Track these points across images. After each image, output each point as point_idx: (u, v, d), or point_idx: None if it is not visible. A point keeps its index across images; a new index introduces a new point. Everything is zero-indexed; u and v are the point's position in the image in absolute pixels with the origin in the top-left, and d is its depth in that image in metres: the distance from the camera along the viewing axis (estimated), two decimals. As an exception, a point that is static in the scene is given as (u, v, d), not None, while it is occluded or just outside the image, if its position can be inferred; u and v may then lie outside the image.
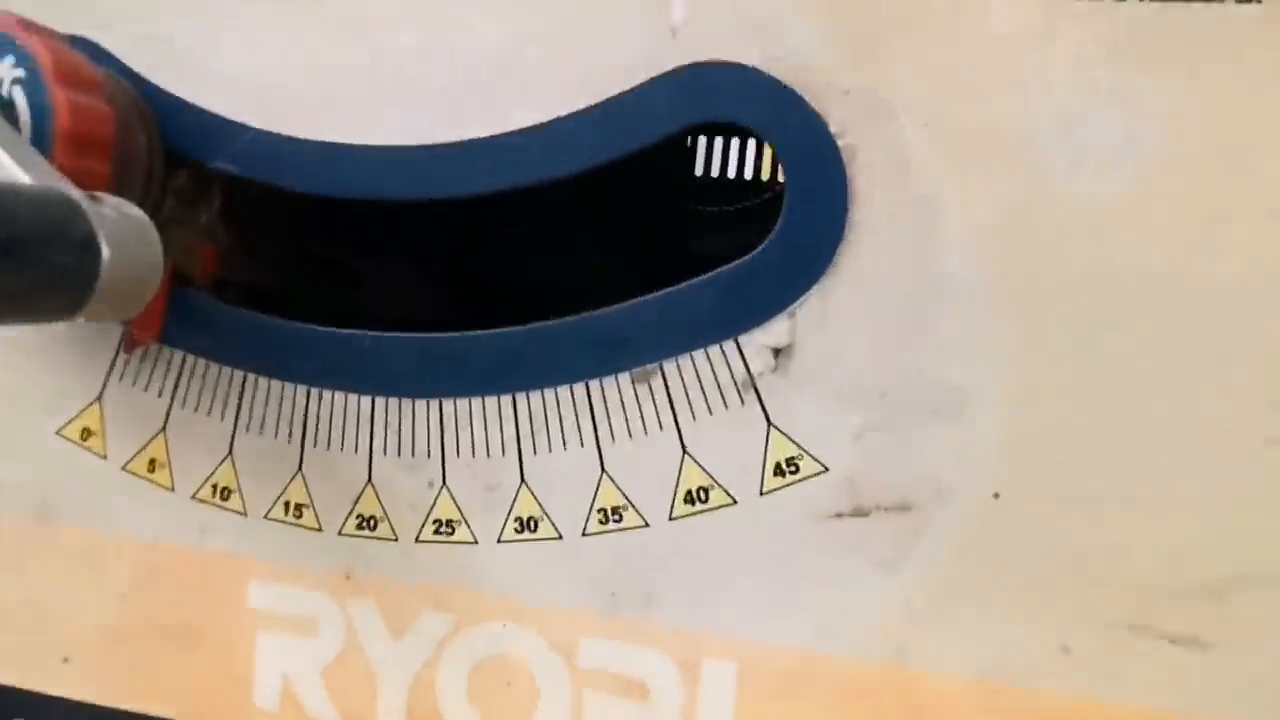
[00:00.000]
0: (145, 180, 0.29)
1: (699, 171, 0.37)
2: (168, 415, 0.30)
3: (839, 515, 0.25)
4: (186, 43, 0.28)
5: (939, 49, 0.24)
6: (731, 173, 0.37)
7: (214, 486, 0.30)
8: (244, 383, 0.29)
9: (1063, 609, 0.24)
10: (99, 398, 0.30)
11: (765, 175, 0.37)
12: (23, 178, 0.22)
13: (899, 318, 0.25)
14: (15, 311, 0.20)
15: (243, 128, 0.28)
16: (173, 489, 0.30)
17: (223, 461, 0.29)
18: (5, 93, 0.25)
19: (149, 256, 0.23)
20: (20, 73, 0.25)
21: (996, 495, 0.24)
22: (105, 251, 0.22)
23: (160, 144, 0.29)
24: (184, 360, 0.29)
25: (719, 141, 0.38)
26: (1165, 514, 0.24)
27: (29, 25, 0.27)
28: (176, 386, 0.30)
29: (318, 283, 0.34)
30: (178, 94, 0.29)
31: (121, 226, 0.23)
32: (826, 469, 0.25)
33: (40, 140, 0.24)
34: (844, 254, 0.25)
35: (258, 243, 0.32)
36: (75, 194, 0.22)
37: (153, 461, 0.30)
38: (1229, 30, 0.22)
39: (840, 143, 0.24)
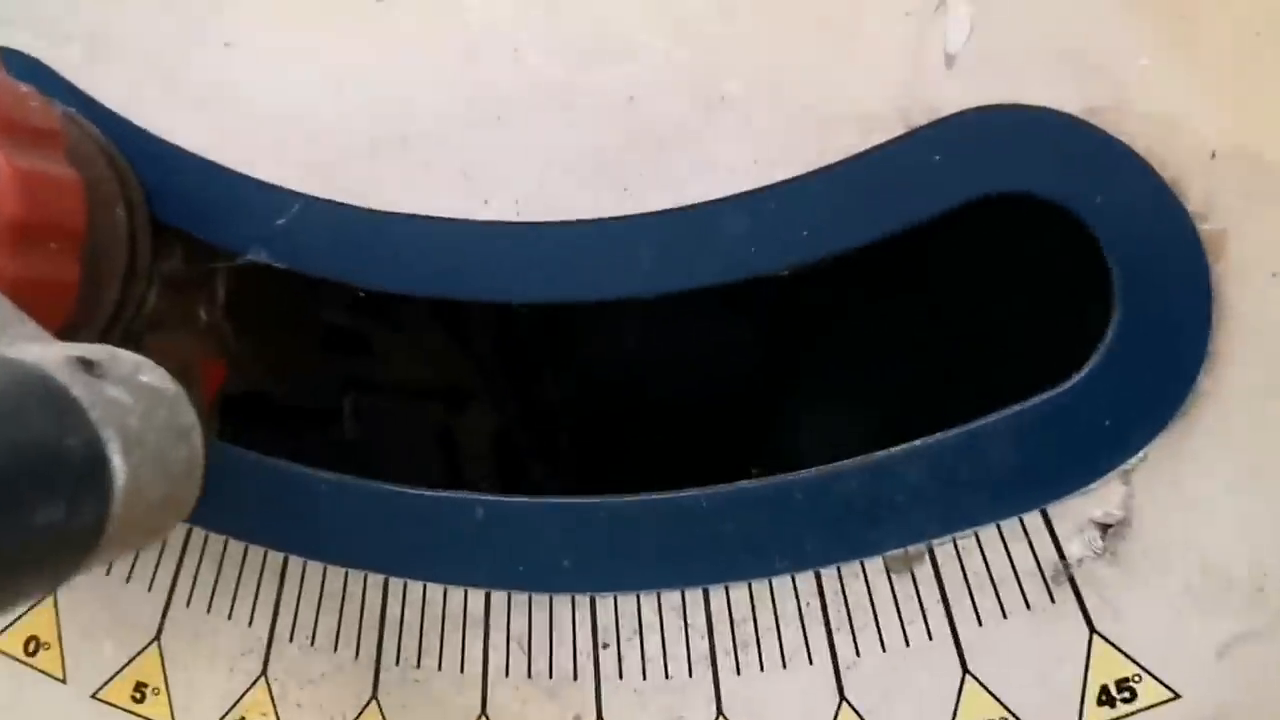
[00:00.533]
0: (126, 274, 0.20)
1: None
2: (163, 619, 0.20)
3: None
4: (185, 60, 0.19)
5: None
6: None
7: (239, 721, 0.20)
8: (283, 570, 0.20)
9: None
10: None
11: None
12: None
13: (1286, 480, 0.17)
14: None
15: (288, 195, 0.19)
16: (169, 732, 0.21)
17: (253, 685, 0.20)
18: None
19: (184, 458, 0.14)
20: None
21: None
22: (120, 471, 0.13)
23: (146, 214, 0.20)
24: (187, 538, 0.20)
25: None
26: None
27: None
28: (176, 576, 0.20)
29: (384, 414, 0.25)
30: (172, 140, 0.19)
31: (142, 416, 0.14)
32: (1177, 696, 0.18)
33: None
34: (1205, 384, 0.17)
35: (279, 338, 0.23)
36: (57, 369, 0.13)
37: (140, 686, 0.21)
38: None
39: (1202, 228, 0.17)
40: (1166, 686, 0.18)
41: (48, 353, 0.13)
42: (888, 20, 0.18)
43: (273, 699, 0.20)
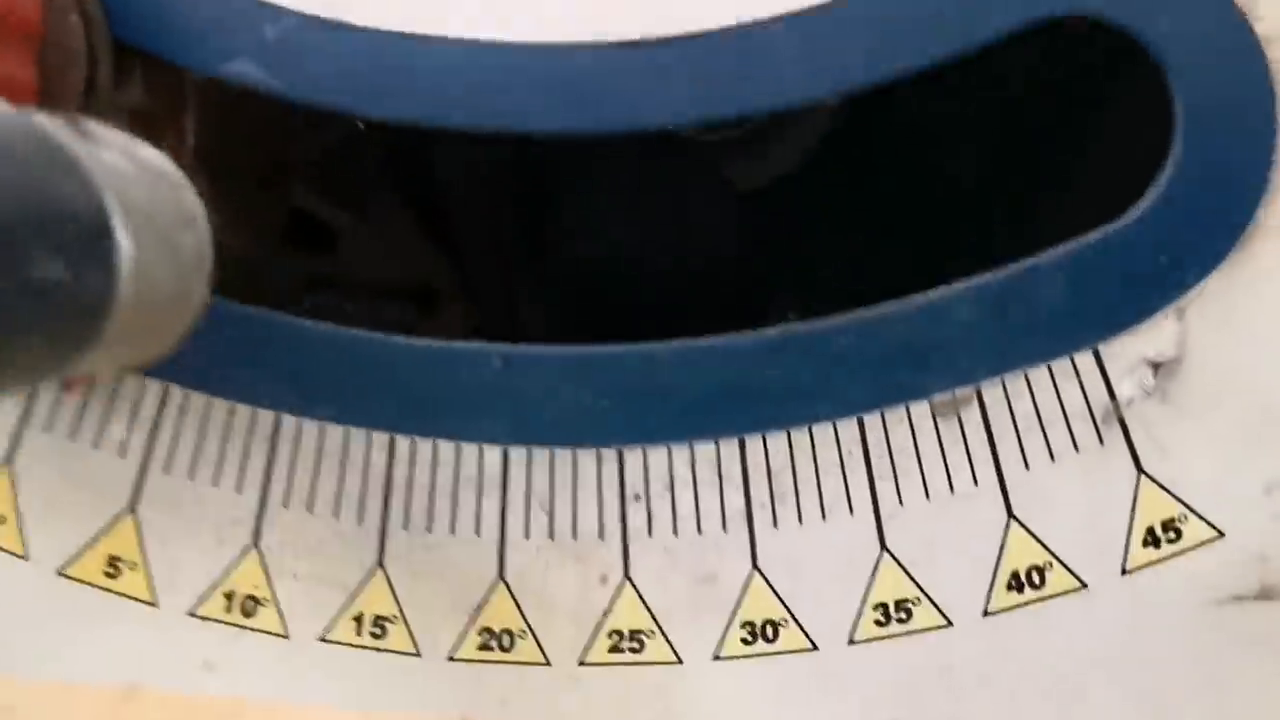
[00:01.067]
0: (86, 85, 0.17)
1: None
2: (138, 487, 0.19)
3: (1238, 599, 0.18)
4: None
5: None
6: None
7: (228, 596, 0.19)
8: (275, 432, 0.18)
9: None
10: (7, 459, 0.19)
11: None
12: None
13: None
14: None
15: (272, 10, 0.17)
16: (154, 603, 0.19)
17: (242, 556, 0.19)
18: None
19: (192, 246, 0.12)
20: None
21: None
22: (126, 245, 0.11)
23: (105, 30, 0.17)
24: (164, 396, 0.18)
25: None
26: None
27: None
28: (152, 441, 0.18)
29: (332, 268, 0.23)
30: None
31: (145, 190, 0.12)
32: (1222, 534, 0.18)
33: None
34: (1264, 217, 0.17)
35: (252, 200, 0.21)
36: (51, 124, 0.11)
37: (113, 560, 0.19)
38: None
39: (1270, 54, 0.16)
40: (1212, 526, 0.18)
41: (34, 114, 0.11)
42: None
43: (265, 570, 0.19)
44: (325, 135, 0.21)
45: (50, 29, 0.16)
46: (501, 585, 0.19)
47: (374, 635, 0.19)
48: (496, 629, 0.19)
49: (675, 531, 0.18)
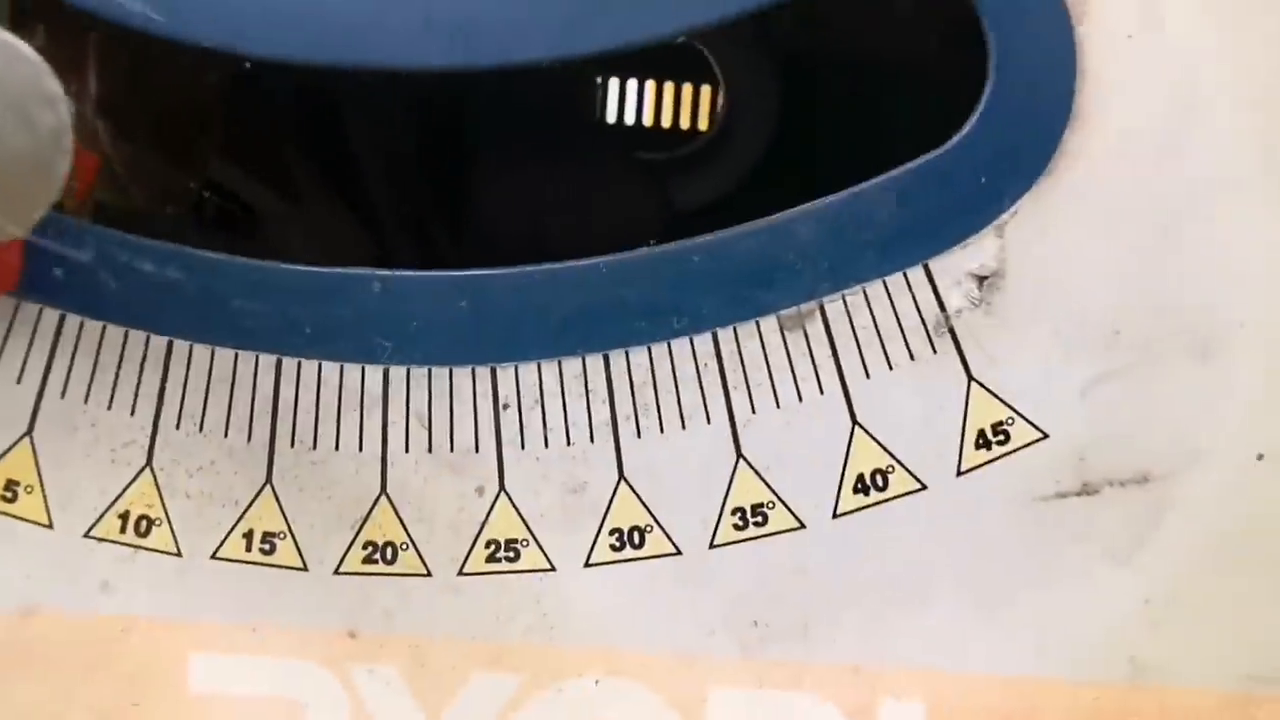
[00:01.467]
0: None
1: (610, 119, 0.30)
2: (35, 411, 0.20)
3: (1062, 495, 0.20)
4: None
5: None
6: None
7: (122, 517, 0.20)
8: (167, 357, 0.19)
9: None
10: (-91, 389, 0.20)
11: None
12: None
13: (1139, 229, 0.19)
14: None
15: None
16: (50, 525, 0.20)
17: (136, 477, 0.20)
18: None
19: (50, 123, 0.14)
20: None
21: (1261, 456, 0.20)
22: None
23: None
24: (60, 325, 0.19)
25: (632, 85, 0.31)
26: None
27: None
28: (49, 367, 0.19)
29: (262, 201, 0.24)
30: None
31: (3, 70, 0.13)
32: (1046, 435, 0.20)
33: None
34: (1069, 143, 0.19)
35: (161, 165, 0.22)
36: None
37: (10, 484, 0.20)
38: None
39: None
40: (1036, 427, 0.20)
41: None
42: None
43: (159, 489, 0.20)
44: (217, 77, 0.22)
45: None
46: (384, 499, 0.20)
47: (263, 551, 0.20)
48: (380, 542, 0.20)
49: (546, 443, 0.20)
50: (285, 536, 0.20)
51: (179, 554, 0.20)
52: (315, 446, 0.20)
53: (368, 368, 0.20)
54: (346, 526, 0.20)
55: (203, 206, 0.22)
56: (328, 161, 0.24)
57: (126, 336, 0.20)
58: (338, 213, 0.24)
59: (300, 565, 0.20)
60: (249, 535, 0.20)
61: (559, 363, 0.20)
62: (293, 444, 0.20)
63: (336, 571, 0.20)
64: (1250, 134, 0.19)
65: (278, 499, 0.20)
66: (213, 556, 0.20)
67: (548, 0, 0.19)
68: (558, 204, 0.23)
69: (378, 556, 0.20)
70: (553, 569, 0.20)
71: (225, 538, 0.20)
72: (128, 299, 0.19)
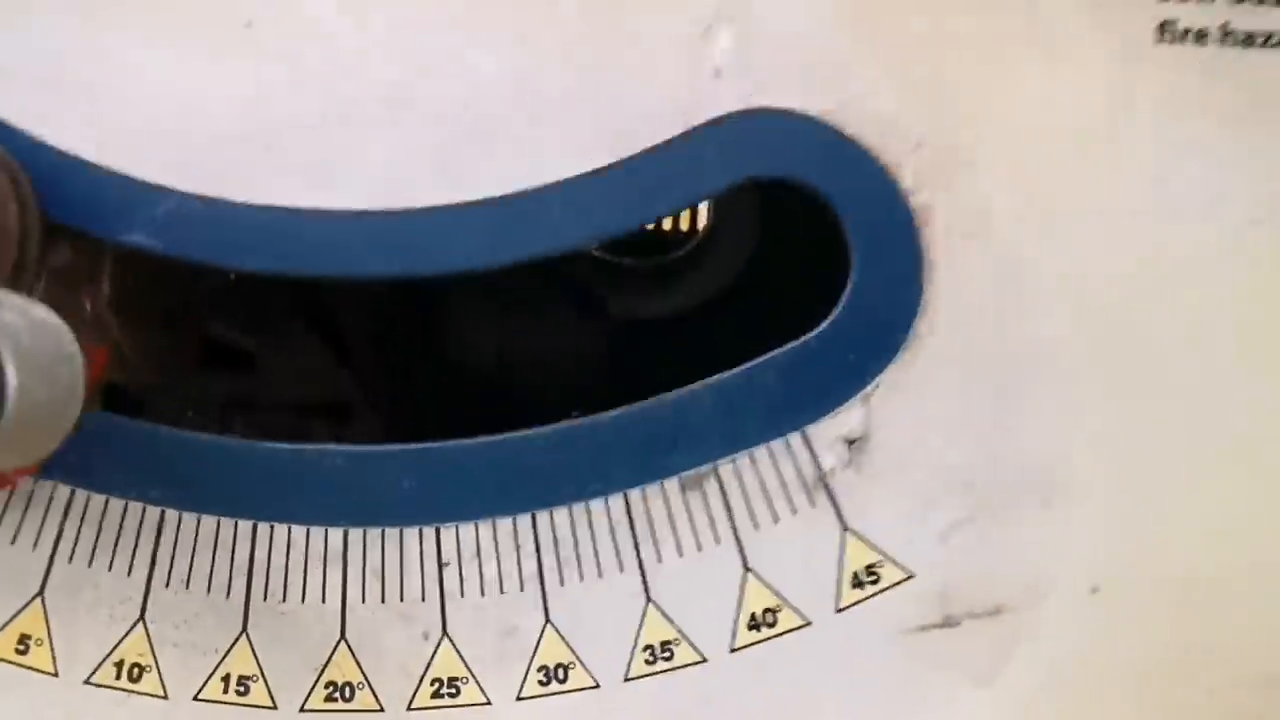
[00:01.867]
0: (15, 263, 0.22)
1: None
2: (46, 574, 0.23)
3: (927, 628, 0.23)
4: (74, 74, 0.23)
5: (1020, 100, 0.22)
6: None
7: (118, 665, 0.23)
8: (159, 524, 0.23)
9: (1167, 703, 0.23)
10: (-60, 557, 0.23)
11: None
12: None
13: (984, 395, 0.23)
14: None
15: (161, 192, 0.22)
16: (55, 673, 0.23)
17: (131, 630, 0.23)
18: None
19: (67, 378, 0.18)
20: None
21: (1095, 589, 0.23)
22: (12, 379, 0.16)
23: (36, 213, 0.23)
24: (70, 498, 0.23)
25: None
26: (1262, 593, 0.23)
27: None
28: (60, 535, 0.23)
29: (248, 389, 0.28)
30: (62, 146, 0.23)
31: (31, 338, 0.17)
32: (912, 575, 0.23)
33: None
34: (920, 327, 0.23)
35: (165, 337, 0.26)
36: None
37: (24, 638, 0.23)
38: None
39: (912, 203, 0.22)
40: (903, 568, 0.23)
41: None
42: (671, 42, 0.22)
43: (150, 640, 0.23)
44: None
45: None
46: (344, 644, 0.23)
47: (239, 693, 0.23)
48: (339, 682, 0.23)
49: (482, 593, 0.23)
50: (258, 679, 0.23)
51: (165, 697, 0.23)
52: (285, 599, 0.23)
53: (331, 530, 0.23)
54: (311, 669, 0.23)
55: (189, 389, 0.26)
56: (296, 349, 0.28)
57: (126, 508, 0.23)
58: (305, 395, 0.28)
59: (271, 704, 0.23)
60: (227, 679, 0.23)
61: (493, 523, 0.23)
62: (265, 597, 0.23)
63: (302, 709, 0.23)
64: (1067, 314, 0.23)
65: (252, 646, 0.23)
66: (195, 698, 0.23)
67: (477, 217, 0.23)
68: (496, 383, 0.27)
69: (338, 695, 0.23)
70: (489, 703, 0.23)
71: (206, 681, 0.23)
72: (125, 476, 0.23)
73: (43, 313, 0.17)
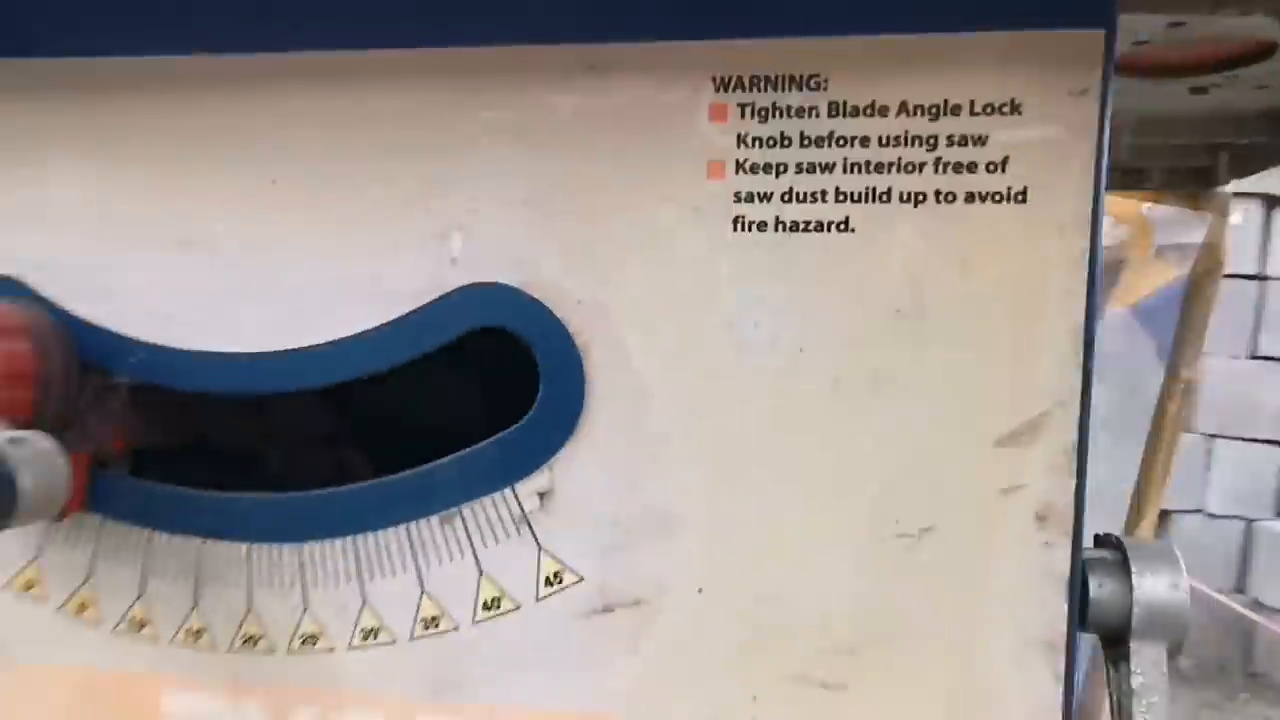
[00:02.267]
0: (63, 390, 0.39)
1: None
2: (91, 566, 0.39)
3: (593, 612, 0.36)
4: (90, 274, 0.38)
5: (644, 271, 0.34)
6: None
7: (131, 620, 0.39)
8: (150, 538, 0.39)
9: (752, 668, 0.35)
10: (37, 557, 0.40)
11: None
12: None
13: (627, 465, 0.35)
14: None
15: (135, 344, 0.38)
16: (99, 624, 0.39)
17: (136, 600, 0.39)
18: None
19: (59, 477, 0.33)
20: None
21: (700, 590, 0.35)
22: (25, 484, 0.32)
23: (76, 359, 0.39)
24: (103, 523, 0.39)
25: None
26: (818, 597, 0.34)
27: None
28: (99, 544, 0.39)
29: (204, 454, 0.44)
30: (86, 317, 0.38)
31: (36, 461, 0.33)
32: (583, 579, 0.36)
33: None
34: (584, 422, 0.35)
35: (157, 424, 0.42)
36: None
37: (83, 603, 0.39)
38: (830, 253, 0.33)
39: (577, 340, 0.35)
40: (576, 574, 0.36)
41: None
42: (422, 242, 0.36)
43: (147, 609, 0.39)
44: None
45: (44, 369, 0.37)
46: (251, 612, 0.38)
47: (194, 640, 0.39)
48: (249, 635, 0.38)
49: (330, 585, 0.37)
50: (206, 632, 0.39)
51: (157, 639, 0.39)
52: (219, 585, 0.38)
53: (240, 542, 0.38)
54: (234, 626, 0.38)
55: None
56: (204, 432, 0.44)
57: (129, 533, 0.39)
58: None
59: (212, 647, 0.39)
60: (189, 631, 0.39)
61: (333, 542, 0.37)
62: (208, 585, 0.39)
63: (229, 650, 0.38)
64: (679, 415, 0.35)
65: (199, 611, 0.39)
66: (170, 642, 0.39)
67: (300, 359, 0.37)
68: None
69: (249, 644, 0.38)
70: (333, 650, 0.38)
71: (177, 631, 0.39)
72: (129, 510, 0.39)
73: (46, 443, 0.33)
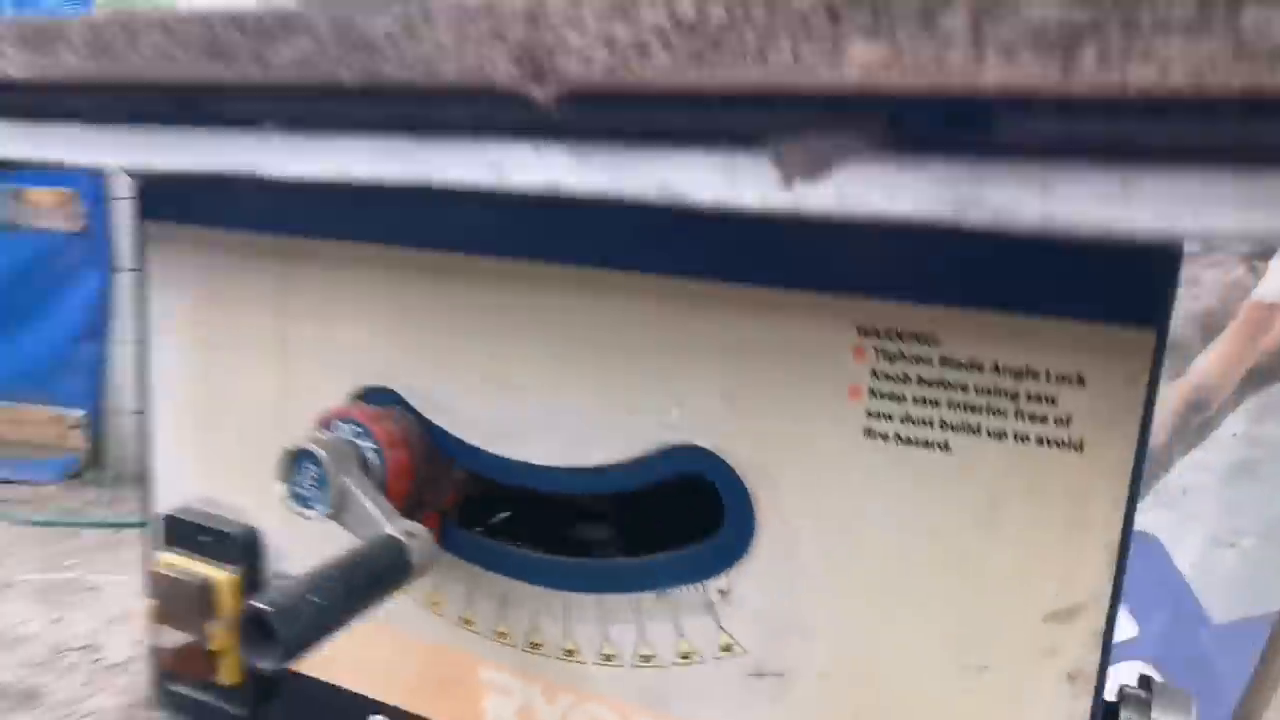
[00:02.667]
0: (427, 477, 0.59)
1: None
2: (437, 579, 0.60)
3: (750, 675, 0.52)
4: (442, 395, 0.58)
5: (799, 454, 0.49)
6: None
7: (460, 618, 0.60)
8: (473, 569, 0.59)
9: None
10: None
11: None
12: (375, 510, 0.53)
13: (781, 581, 0.51)
14: (370, 608, 0.51)
15: (468, 446, 0.57)
16: (442, 615, 0.61)
17: (465, 605, 0.60)
18: (367, 456, 0.55)
19: (428, 555, 0.53)
20: (372, 444, 0.56)
21: (820, 674, 0.50)
22: (414, 562, 0.52)
23: (435, 452, 0.59)
24: (444, 554, 0.60)
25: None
26: (903, 695, 0.48)
27: (371, 413, 0.57)
28: (442, 566, 0.60)
29: (512, 521, 0.64)
30: (438, 423, 0.58)
31: (419, 543, 0.53)
32: (747, 652, 0.52)
33: (381, 483, 0.55)
34: (753, 547, 0.51)
35: (483, 494, 0.62)
36: (396, 532, 0.52)
37: (433, 600, 0.61)
38: (933, 465, 0.46)
39: (751, 493, 0.50)
40: (742, 648, 0.51)
41: (394, 522, 0.52)
42: (650, 410, 0.52)
43: (474, 613, 0.60)
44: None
45: (421, 467, 0.58)
46: (561, 625, 0.58)
47: (503, 639, 0.59)
48: (536, 642, 0.58)
49: (595, 622, 0.56)
50: (510, 635, 0.59)
51: (477, 634, 0.60)
52: (528, 608, 0.58)
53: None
54: (529, 634, 0.58)
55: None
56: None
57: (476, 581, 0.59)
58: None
59: (513, 645, 0.59)
60: (498, 633, 0.59)
61: (574, 595, 0.56)
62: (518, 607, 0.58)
63: (523, 650, 0.58)
64: (820, 559, 0.49)
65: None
66: (487, 635, 0.60)
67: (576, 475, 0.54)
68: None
69: (537, 650, 0.58)
70: (583, 662, 0.56)
71: (490, 630, 0.60)
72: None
73: (420, 529, 0.53)
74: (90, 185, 2.87)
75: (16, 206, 2.95)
